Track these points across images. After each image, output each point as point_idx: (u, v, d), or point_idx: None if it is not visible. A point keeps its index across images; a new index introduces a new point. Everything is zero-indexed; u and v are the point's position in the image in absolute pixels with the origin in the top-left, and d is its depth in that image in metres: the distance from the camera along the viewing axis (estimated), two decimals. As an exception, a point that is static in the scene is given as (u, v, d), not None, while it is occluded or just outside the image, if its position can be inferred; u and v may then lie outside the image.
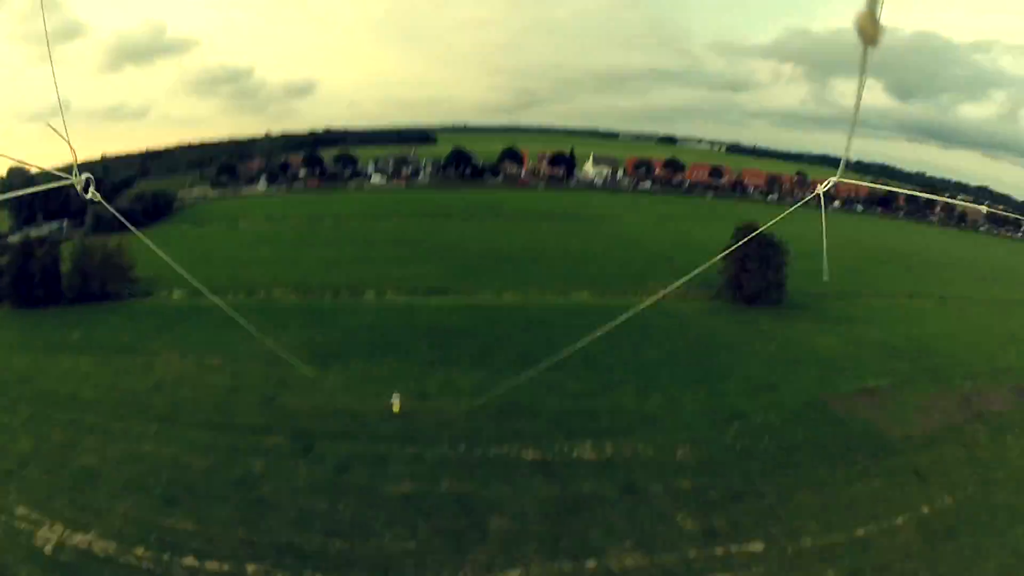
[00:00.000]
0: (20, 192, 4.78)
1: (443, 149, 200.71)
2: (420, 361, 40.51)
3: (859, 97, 3.03)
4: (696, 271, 11.34)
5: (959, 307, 59.41)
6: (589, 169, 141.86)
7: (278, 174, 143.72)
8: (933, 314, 56.36)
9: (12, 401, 37.35)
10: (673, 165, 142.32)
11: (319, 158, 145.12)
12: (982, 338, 49.69)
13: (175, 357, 42.25)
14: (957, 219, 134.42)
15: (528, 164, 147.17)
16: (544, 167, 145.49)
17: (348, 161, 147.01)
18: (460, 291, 54.88)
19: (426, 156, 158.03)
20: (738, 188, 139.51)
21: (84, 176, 4.65)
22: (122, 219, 9.16)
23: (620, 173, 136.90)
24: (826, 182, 4.71)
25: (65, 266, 56.53)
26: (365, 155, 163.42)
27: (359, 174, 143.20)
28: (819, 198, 5.30)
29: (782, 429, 32.69)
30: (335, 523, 25.97)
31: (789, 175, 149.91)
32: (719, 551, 24.26)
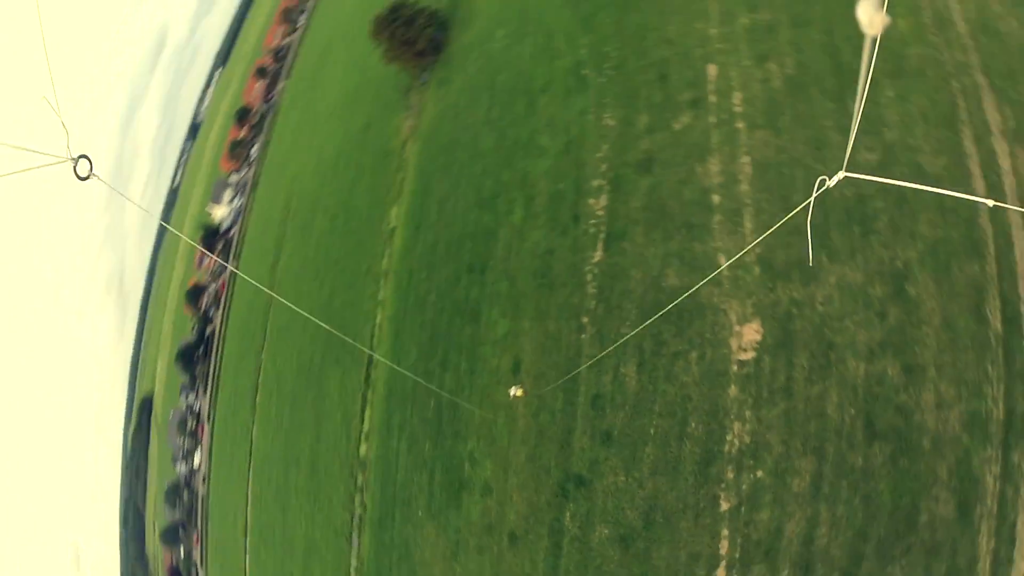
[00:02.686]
0: (8, 173, 4.50)
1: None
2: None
3: (864, 90, 3.02)
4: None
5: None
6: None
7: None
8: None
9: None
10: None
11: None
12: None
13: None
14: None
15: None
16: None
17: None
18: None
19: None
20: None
21: (79, 156, 4.37)
22: (137, 205, 10.69)
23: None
24: (835, 176, 4.38)
25: None
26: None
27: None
28: (815, 196, 4.86)
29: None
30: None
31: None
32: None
